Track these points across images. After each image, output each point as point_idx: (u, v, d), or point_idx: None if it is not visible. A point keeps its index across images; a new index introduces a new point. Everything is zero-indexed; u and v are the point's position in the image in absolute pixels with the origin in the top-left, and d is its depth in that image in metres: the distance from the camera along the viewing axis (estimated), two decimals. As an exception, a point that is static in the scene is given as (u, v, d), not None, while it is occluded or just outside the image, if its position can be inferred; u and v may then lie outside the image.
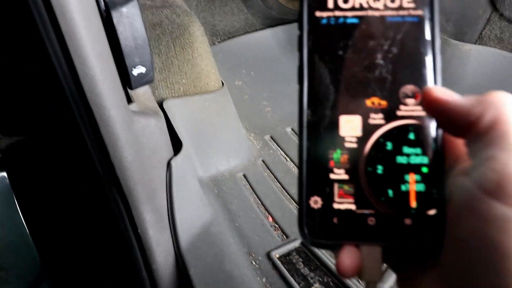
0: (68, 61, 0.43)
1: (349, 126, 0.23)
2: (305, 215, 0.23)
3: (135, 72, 0.51)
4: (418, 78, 0.23)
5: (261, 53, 1.17)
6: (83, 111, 0.46)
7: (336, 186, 0.23)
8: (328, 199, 0.23)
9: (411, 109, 0.23)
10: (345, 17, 0.24)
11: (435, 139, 0.22)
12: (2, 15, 0.44)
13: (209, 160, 0.80)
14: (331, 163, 0.23)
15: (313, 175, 0.23)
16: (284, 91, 1.09)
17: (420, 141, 0.22)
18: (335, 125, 0.23)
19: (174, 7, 0.84)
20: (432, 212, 0.21)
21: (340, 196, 0.23)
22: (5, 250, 0.59)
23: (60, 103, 0.47)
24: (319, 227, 0.23)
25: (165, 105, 0.75)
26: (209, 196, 0.72)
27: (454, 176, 0.21)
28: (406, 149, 0.22)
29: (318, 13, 0.24)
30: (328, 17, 0.24)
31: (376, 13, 0.23)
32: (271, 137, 0.96)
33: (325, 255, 0.62)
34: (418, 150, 0.22)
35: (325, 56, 0.24)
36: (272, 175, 0.83)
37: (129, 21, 0.48)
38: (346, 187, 0.23)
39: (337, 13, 0.24)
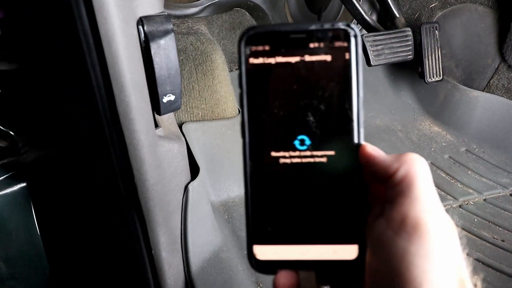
0: (107, 87, 0.45)
1: (285, 180, 0.26)
2: (252, 250, 0.26)
3: (165, 99, 0.53)
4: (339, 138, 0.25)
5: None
6: (115, 134, 0.49)
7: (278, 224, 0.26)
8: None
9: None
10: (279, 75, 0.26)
11: (359, 188, 0.26)
12: (53, 40, 0.47)
13: (221, 185, 0.82)
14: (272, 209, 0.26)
15: (259, 218, 0.26)
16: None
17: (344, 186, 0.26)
18: (273, 178, 0.26)
19: (199, 34, 0.88)
20: (356, 247, 0.25)
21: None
22: (18, 260, 0.61)
23: (93, 124, 0.50)
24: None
25: (183, 129, 0.77)
26: (220, 221, 0.73)
27: (373, 216, 0.25)
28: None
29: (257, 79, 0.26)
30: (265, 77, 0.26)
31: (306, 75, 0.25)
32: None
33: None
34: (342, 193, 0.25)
35: (263, 113, 0.26)
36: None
37: (165, 52, 0.51)
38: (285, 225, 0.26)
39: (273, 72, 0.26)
